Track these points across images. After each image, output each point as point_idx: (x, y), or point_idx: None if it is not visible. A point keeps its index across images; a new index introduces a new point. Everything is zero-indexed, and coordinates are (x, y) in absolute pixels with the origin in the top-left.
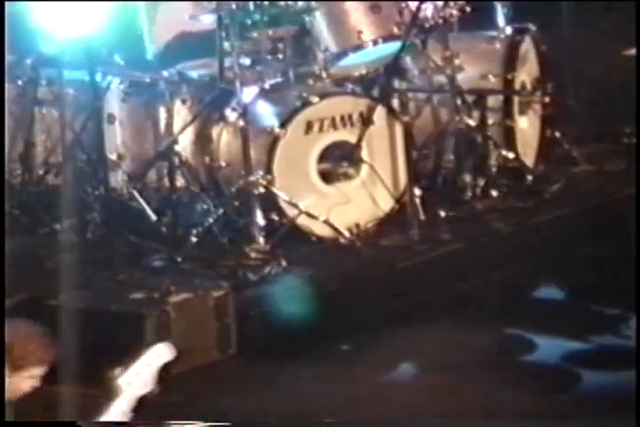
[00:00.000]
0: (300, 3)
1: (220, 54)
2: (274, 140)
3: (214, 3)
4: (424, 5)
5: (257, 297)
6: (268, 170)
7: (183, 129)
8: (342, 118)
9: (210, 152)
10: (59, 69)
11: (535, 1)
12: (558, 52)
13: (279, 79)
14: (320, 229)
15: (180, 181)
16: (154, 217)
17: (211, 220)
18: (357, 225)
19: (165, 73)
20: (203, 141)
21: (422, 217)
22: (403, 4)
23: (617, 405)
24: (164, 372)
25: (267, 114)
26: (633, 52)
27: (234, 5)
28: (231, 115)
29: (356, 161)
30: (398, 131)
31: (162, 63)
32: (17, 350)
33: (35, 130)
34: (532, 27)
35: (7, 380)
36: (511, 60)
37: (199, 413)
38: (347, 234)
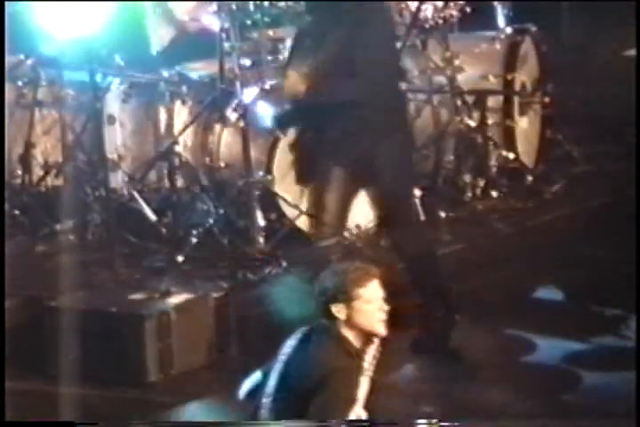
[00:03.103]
0: (300, 3)
1: (220, 55)
2: (274, 141)
3: (214, 3)
4: (424, 6)
5: (257, 298)
6: (269, 170)
7: (183, 130)
8: None
9: (210, 153)
10: (59, 70)
11: (535, 1)
12: (558, 52)
13: (280, 80)
14: None
15: (180, 182)
16: (153, 218)
17: (211, 220)
18: (358, 226)
19: (166, 74)
20: (203, 142)
21: (422, 217)
22: (403, 5)
23: (617, 405)
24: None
25: (267, 115)
26: (633, 52)
27: (234, 6)
28: (231, 115)
29: None
30: None
31: (162, 63)
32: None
33: (35, 131)
34: (533, 27)
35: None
36: (511, 60)
37: (199, 413)
38: (347, 235)
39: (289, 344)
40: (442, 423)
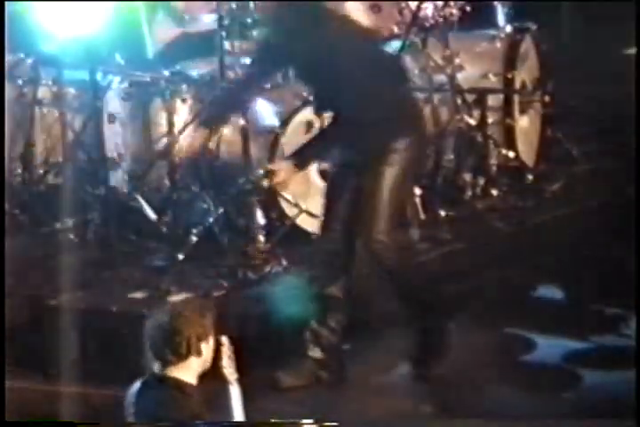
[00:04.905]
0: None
1: (220, 54)
2: (275, 139)
3: (214, 2)
4: (424, 5)
5: (257, 297)
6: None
7: (184, 128)
8: None
9: (210, 151)
10: (59, 69)
11: (535, 1)
12: (558, 51)
13: (279, 78)
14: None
15: (180, 181)
16: (154, 216)
17: (211, 219)
18: None
19: (166, 72)
20: (203, 140)
21: (422, 216)
22: (403, 4)
23: (617, 405)
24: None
25: (267, 113)
26: (633, 52)
27: (234, 5)
28: None
29: None
30: None
31: (162, 62)
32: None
33: (35, 130)
34: (533, 26)
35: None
36: (511, 59)
37: None
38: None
39: (130, 394)
40: None
